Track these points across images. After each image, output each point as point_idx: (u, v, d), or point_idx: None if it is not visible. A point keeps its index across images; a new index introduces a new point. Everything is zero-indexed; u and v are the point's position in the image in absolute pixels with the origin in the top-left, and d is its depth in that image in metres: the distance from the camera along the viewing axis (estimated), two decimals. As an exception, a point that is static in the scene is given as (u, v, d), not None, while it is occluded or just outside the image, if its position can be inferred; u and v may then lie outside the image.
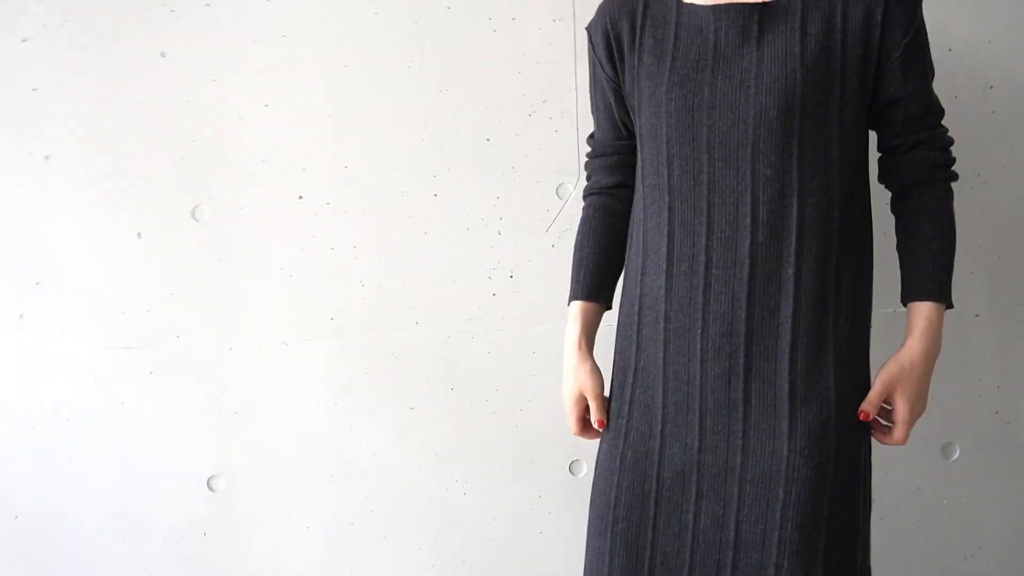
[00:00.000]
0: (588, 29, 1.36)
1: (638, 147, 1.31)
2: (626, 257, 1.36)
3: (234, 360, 1.82)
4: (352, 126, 1.80)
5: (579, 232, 1.40)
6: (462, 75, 1.80)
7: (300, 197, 1.81)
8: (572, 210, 1.80)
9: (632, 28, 1.27)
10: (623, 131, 1.37)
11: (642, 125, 1.27)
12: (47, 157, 1.79)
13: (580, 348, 1.34)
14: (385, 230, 1.81)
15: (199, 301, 1.81)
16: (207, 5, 1.78)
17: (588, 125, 1.74)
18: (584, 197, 1.44)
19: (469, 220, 1.81)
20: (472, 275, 1.81)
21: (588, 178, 1.44)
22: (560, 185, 1.81)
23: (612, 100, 1.35)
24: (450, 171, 1.81)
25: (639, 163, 1.31)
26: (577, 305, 1.36)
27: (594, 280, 1.36)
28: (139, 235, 1.80)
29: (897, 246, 1.30)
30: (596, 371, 1.34)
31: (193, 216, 1.80)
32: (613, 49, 1.30)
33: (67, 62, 1.78)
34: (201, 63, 1.79)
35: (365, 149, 1.80)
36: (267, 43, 1.79)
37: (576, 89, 1.80)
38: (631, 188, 1.37)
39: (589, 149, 1.44)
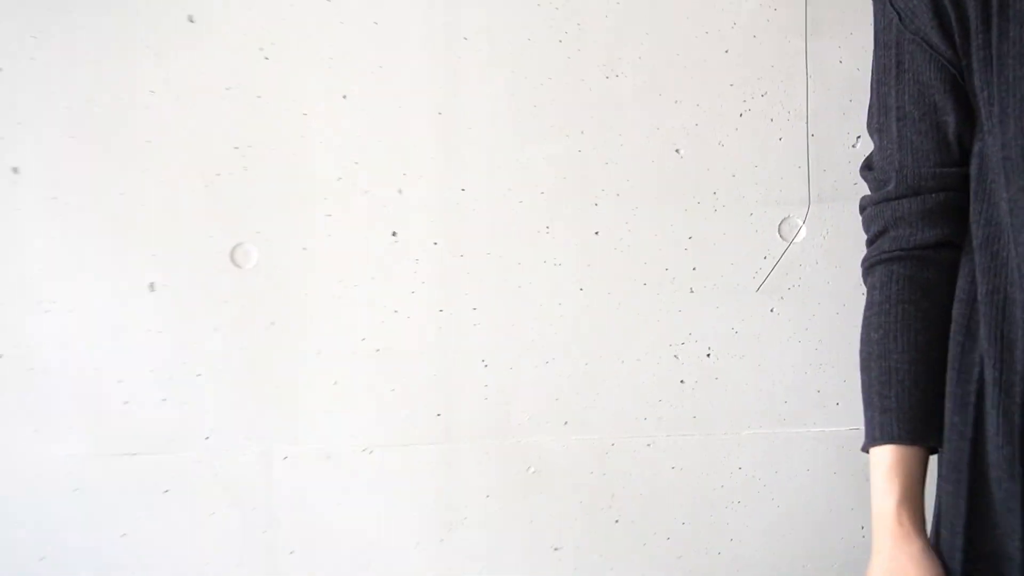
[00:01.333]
0: None
1: (981, 177, 1.11)
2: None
3: (289, 474, 1.65)
4: (471, 129, 1.63)
5: (873, 322, 1.17)
6: (638, 55, 1.61)
7: (393, 234, 1.63)
8: (800, 257, 1.63)
9: None
10: (956, 152, 1.14)
11: (1008, 141, 1.06)
12: (15, 169, 1.62)
13: (903, 523, 1.10)
14: (519, 284, 1.63)
15: (239, 386, 1.64)
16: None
17: (826, 129, 1.59)
18: (873, 264, 1.19)
19: (647, 271, 1.63)
20: (650, 352, 1.64)
21: (880, 232, 1.18)
22: (784, 219, 1.64)
23: (944, 101, 1.12)
24: (619, 197, 1.63)
25: (988, 204, 1.12)
26: (892, 453, 1.11)
27: (918, 404, 1.11)
28: (151, 286, 1.62)
29: None
30: (932, 561, 1.11)
31: (232, 259, 1.63)
32: (950, 17, 1.08)
33: (44, 28, 1.63)
34: (247, 31, 1.63)
35: (490, 164, 1.63)
36: (348, 1, 1.65)
37: (807, 76, 1.58)
38: (959, 248, 1.15)
39: (876, 182, 1.19)
